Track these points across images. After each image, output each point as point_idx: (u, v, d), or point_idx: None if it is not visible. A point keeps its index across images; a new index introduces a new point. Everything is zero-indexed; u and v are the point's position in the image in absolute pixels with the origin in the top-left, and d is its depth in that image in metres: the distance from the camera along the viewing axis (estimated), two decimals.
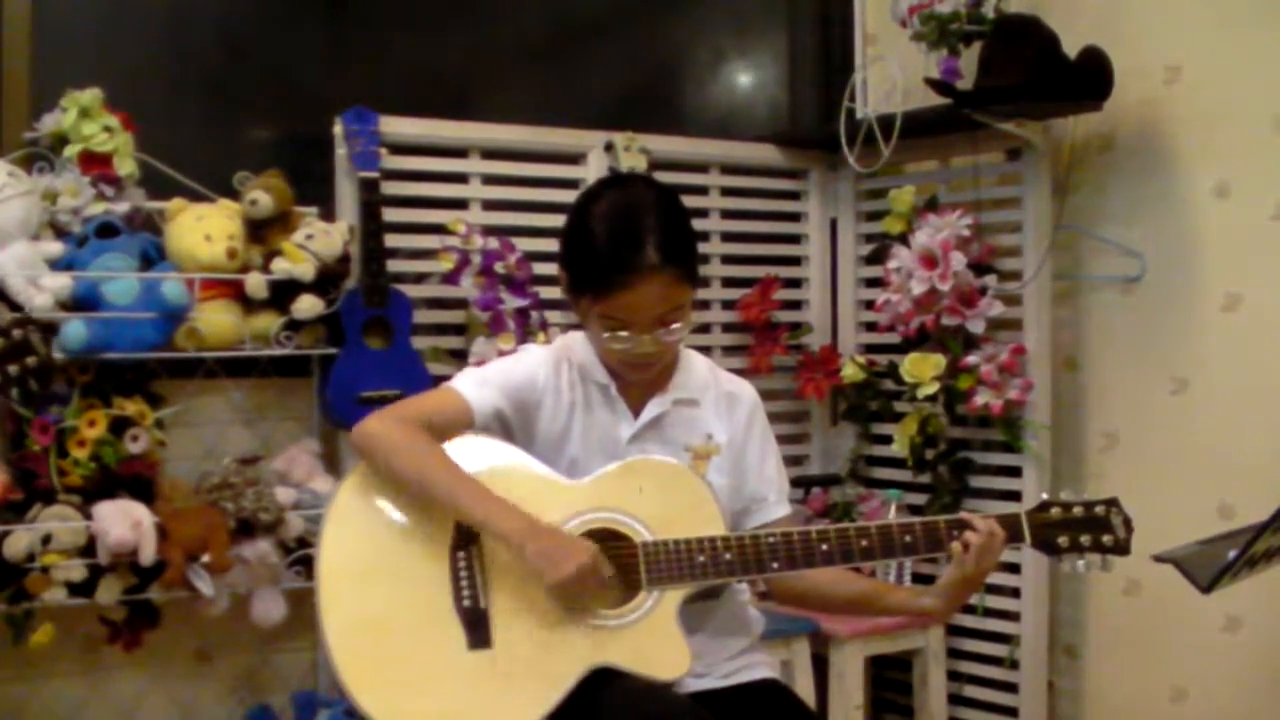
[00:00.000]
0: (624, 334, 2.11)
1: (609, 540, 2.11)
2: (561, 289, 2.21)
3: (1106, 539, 2.14)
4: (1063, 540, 2.15)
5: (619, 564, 2.10)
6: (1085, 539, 2.14)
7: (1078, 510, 2.16)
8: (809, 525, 2.18)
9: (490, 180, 3.48)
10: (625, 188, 2.23)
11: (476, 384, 2.16)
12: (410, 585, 2.06)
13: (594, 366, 2.21)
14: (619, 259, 2.07)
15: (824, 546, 2.12)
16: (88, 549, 2.75)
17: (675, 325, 2.12)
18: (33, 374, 2.03)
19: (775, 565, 2.11)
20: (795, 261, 3.98)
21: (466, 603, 2.05)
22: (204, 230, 2.94)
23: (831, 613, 3.13)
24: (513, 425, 2.18)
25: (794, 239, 3.99)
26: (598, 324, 2.13)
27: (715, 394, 2.27)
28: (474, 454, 2.13)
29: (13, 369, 2.01)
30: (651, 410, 2.21)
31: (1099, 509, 2.16)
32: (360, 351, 3.12)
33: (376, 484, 2.11)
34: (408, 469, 2.07)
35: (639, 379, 2.20)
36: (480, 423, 2.14)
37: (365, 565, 2.07)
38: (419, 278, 3.39)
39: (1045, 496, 2.20)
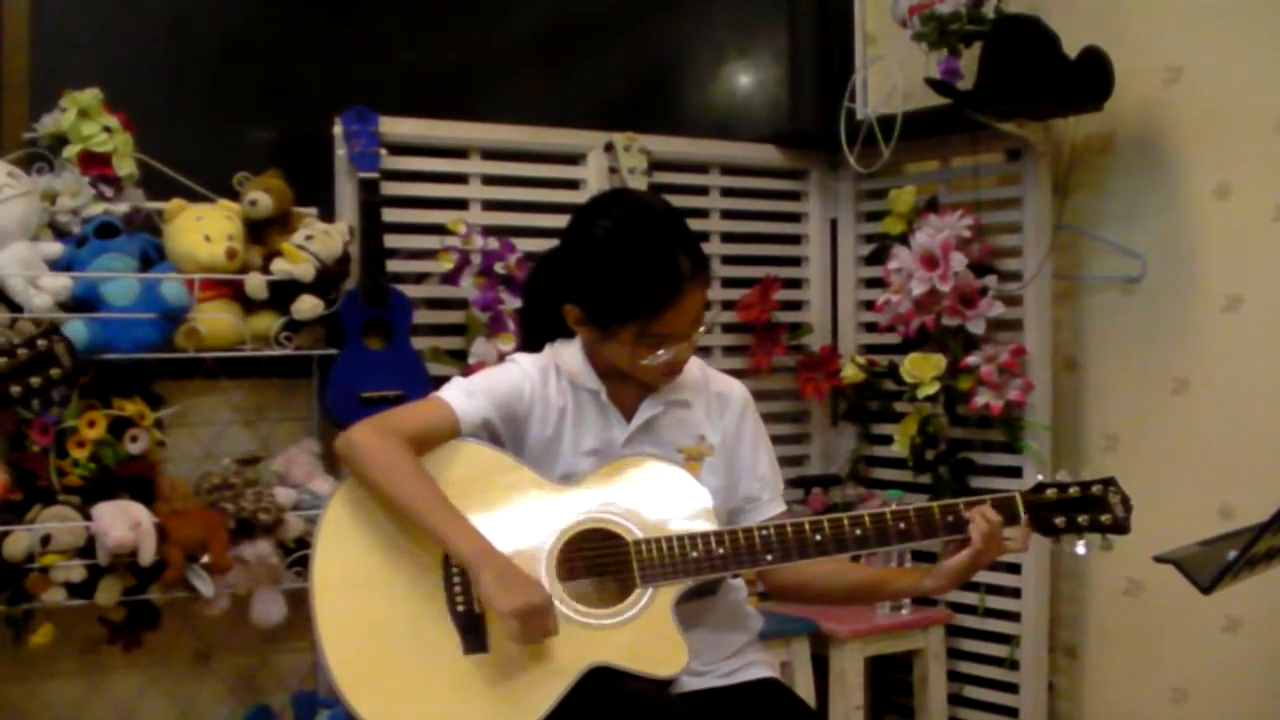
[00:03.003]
0: (661, 352, 2.12)
1: (602, 540, 2.11)
2: (576, 323, 2.18)
3: (1105, 518, 2.14)
4: (1059, 520, 2.15)
5: (613, 564, 2.10)
6: (1082, 519, 2.14)
7: (1074, 490, 2.16)
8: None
9: (490, 180, 3.48)
10: (622, 207, 2.21)
11: (464, 394, 2.17)
12: (404, 592, 2.06)
13: (585, 374, 2.21)
14: (663, 278, 2.09)
15: (817, 537, 2.12)
16: (87, 549, 2.75)
17: (703, 322, 2.17)
18: (55, 385, 2.03)
19: (769, 558, 2.11)
20: (795, 262, 3.98)
21: (460, 608, 2.05)
22: (203, 230, 2.93)
23: (832, 604, 3.13)
24: (502, 434, 2.18)
25: (794, 239, 3.99)
26: (636, 347, 2.12)
27: (706, 395, 2.28)
28: (464, 460, 2.13)
29: (35, 381, 2.01)
30: (645, 413, 2.22)
31: (1095, 488, 2.16)
32: (360, 352, 3.12)
33: (368, 493, 2.11)
34: (381, 482, 2.07)
35: (669, 382, 2.22)
36: (467, 431, 2.14)
37: (359, 573, 2.07)
38: (419, 278, 3.39)
39: (1040, 478, 2.20)
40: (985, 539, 2.11)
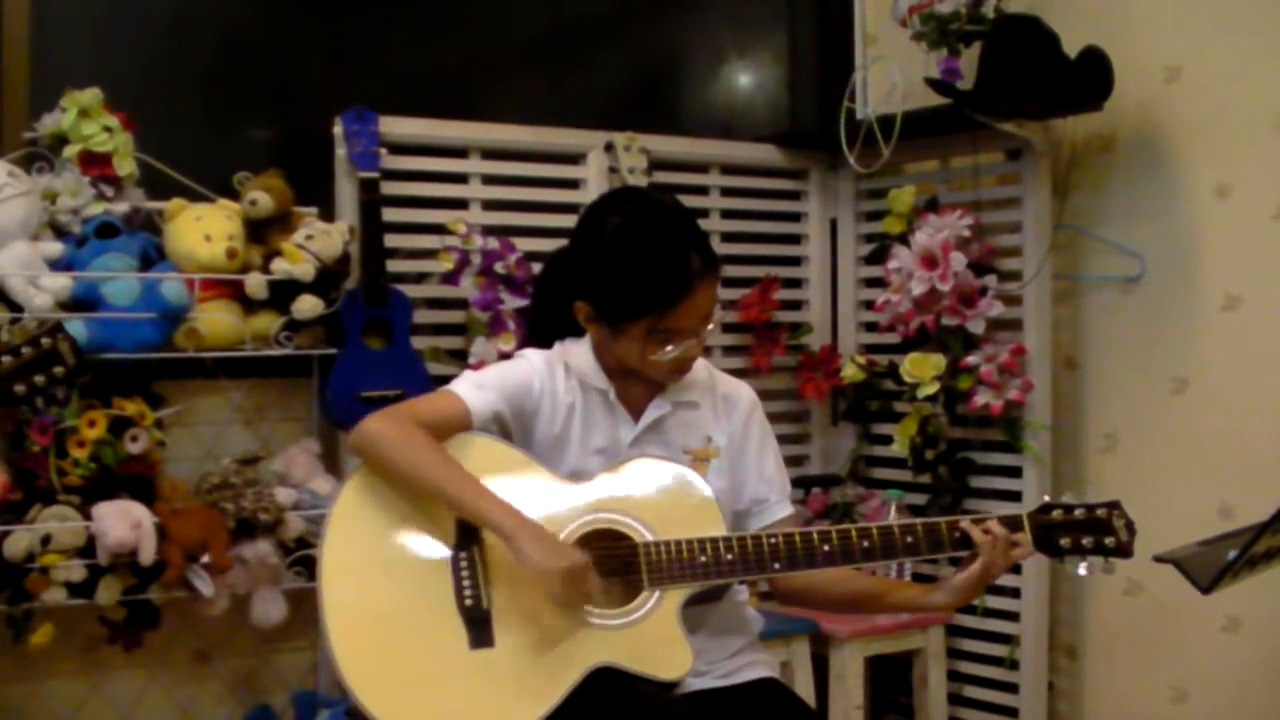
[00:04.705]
0: (671, 347, 2.13)
1: (610, 541, 2.11)
2: (587, 320, 2.19)
3: (1109, 541, 2.15)
4: (1064, 542, 2.16)
5: (620, 564, 2.10)
6: (1087, 541, 2.15)
7: (1079, 513, 2.17)
8: (810, 526, 2.19)
9: (490, 180, 3.48)
10: (633, 203, 2.23)
11: (474, 387, 2.17)
12: (412, 584, 2.07)
13: (593, 373, 2.21)
14: (674, 273, 2.09)
15: (825, 547, 2.13)
16: (87, 549, 2.74)
17: (712, 319, 2.17)
18: (60, 383, 2.04)
19: (777, 565, 2.12)
20: (795, 261, 3.98)
21: (468, 602, 2.05)
22: (203, 230, 2.93)
23: (835, 611, 3.13)
24: (511, 428, 2.18)
25: (794, 239, 3.99)
26: (646, 343, 2.13)
27: (714, 397, 2.28)
28: (476, 454, 2.13)
29: (39, 379, 2.02)
30: (652, 413, 2.22)
31: (1100, 511, 2.17)
32: (360, 351, 3.11)
33: (380, 484, 2.12)
34: (403, 464, 2.08)
35: (677, 380, 2.22)
36: (478, 425, 2.15)
37: (368, 564, 2.08)
38: (419, 278, 3.39)
39: (1047, 499, 2.21)
40: (992, 549, 2.12)
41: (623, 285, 2.11)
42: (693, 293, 2.11)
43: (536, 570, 1.99)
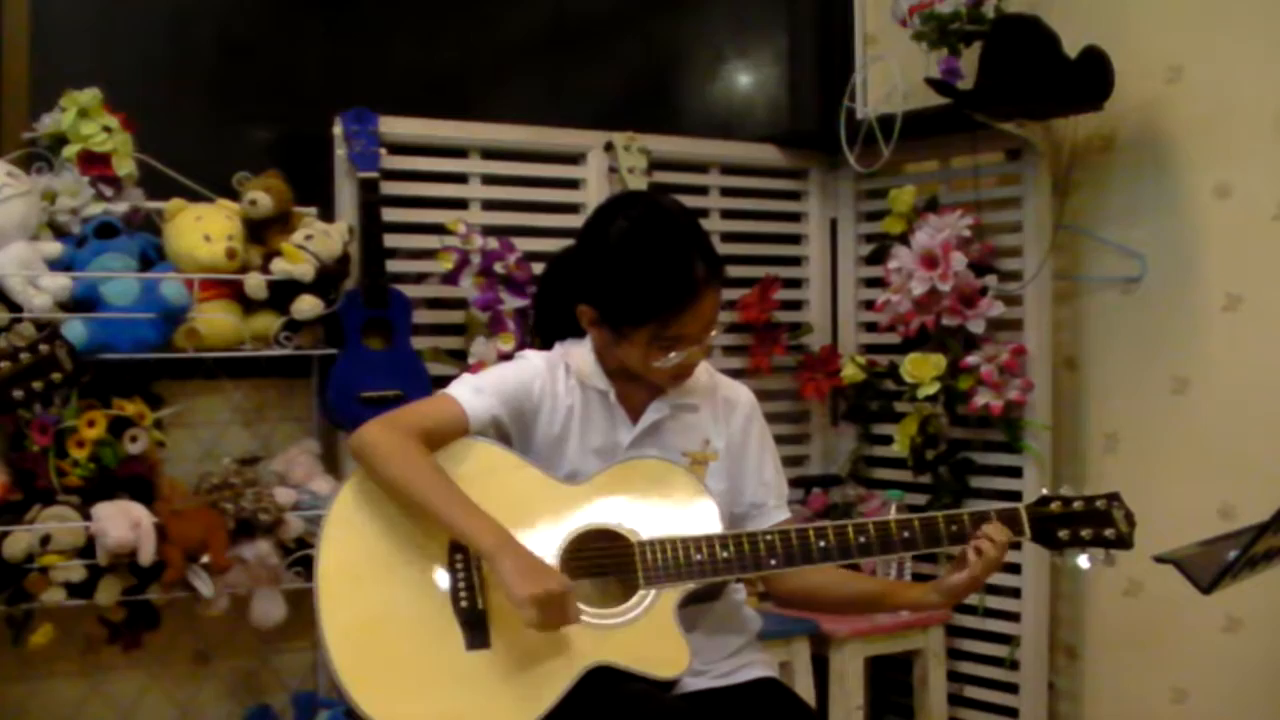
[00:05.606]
0: (674, 354, 2.13)
1: (606, 541, 2.11)
2: (590, 323, 2.19)
3: (1108, 532, 2.14)
4: (1063, 534, 2.16)
5: (616, 564, 2.10)
6: (1086, 532, 2.15)
7: (1078, 505, 2.17)
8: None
9: (490, 180, 3.48)
10: (639, 208, 2.21)
11: (473, 391, 2.17)
12: (409, 586, 2.07)
13: (594, 373, 2.21)
14: (679, 282, 2.09)
15: (822, 544, 2.13)
16: (87, 550, 2.75)
17: (716, 326, 2.17)
18: (57, 389, 2.05)
19: (773, 563, 2.12)
20: (795, 261, 3.98)
21: (464, 604, 2.05)
22: (203, 230, 2.93)
23: (834, 613, 3.14)
24: (510, 431, 2.18)
25: (794, 239, 3.99)
26: (649, 349, 2.13)
27: (714, 400, 2.28)
28: (473, 459, 2.13)
29: (36, 385, 2.03)
30: (651, 415, 2.22)
31: (1099, 503, 2.17)
32: (360, 352, 3.12)
33: (376, 487, 2.12)
34: (395, 477, 2.07)
35: (679, 385, 2.22)
36: (476, 429, 2.15)
37: (364, 567, 2.08)
38: (419, 278, 3.39)
39: (1045, 491, 2.20)
40: (987, 559, 2.11)
41: (627, 291, 2.11)
42: (698, 300, 2.10)
43: (511, 596, 1.96)
